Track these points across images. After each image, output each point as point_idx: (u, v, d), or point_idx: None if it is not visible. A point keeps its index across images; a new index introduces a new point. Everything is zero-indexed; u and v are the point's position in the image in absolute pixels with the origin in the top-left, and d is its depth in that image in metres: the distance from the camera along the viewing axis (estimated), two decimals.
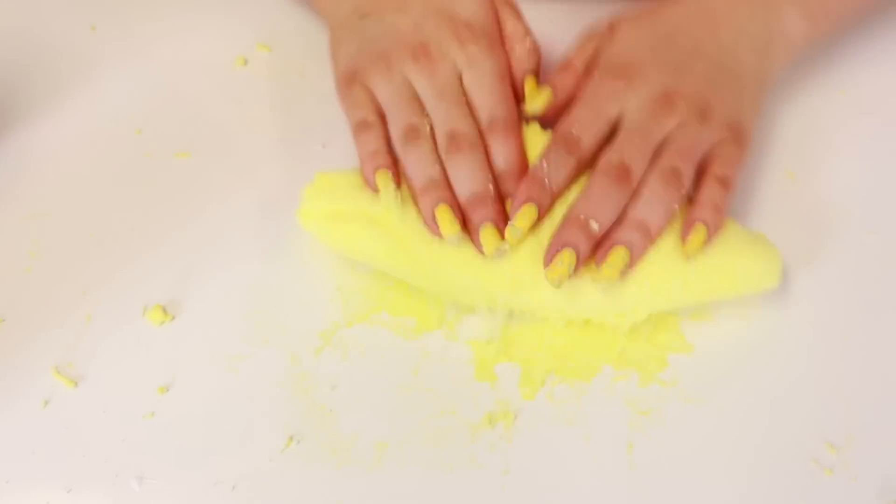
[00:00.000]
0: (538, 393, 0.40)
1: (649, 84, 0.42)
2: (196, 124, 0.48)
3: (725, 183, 0.41)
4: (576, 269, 0.39)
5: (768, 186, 0.46)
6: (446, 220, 0.40)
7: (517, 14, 0.45)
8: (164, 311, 0.42)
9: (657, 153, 0.41)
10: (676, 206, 0.40)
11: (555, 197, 0.40)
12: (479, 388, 0.40)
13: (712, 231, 0.40)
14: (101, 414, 0.40)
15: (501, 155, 0.41)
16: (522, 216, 0.39)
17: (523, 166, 0.41)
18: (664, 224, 0.40)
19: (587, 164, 0.41)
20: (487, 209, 0.40)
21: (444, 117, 0.42)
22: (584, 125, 0.41)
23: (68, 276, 0.43)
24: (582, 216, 0.39)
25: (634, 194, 0.40)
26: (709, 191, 0.41)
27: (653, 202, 0.40)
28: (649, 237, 0.40)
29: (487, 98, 0.42)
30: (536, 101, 0.43)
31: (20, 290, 0.43)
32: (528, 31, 0.45)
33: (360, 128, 0.43)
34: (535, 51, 0.45)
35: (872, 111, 0.48)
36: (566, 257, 0.38)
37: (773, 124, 0.48)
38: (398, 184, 0.41)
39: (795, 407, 0.39)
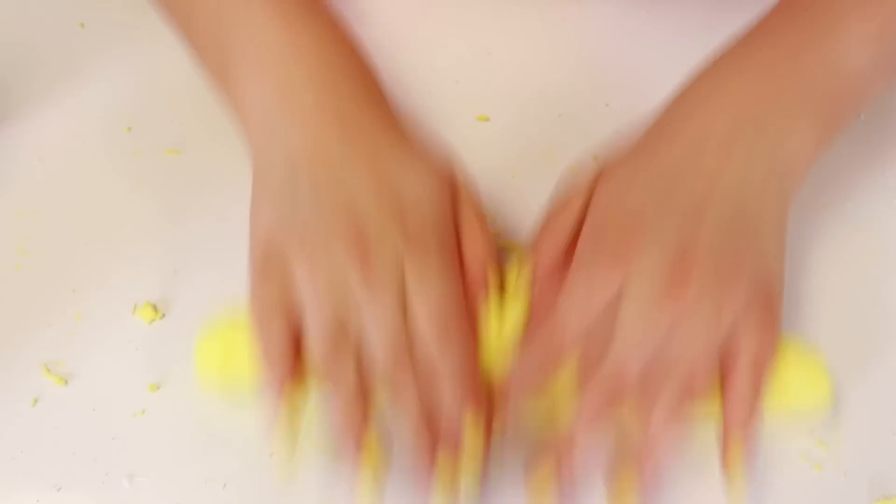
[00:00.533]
0: None
1: (652, 254, 0.35)
2: (186, 121, 0.48)
3: (760, 367, 0.35)
4: None
5: None
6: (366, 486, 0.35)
7: (475, 209, 0.38)
8: (155, 308, 0.42)
9: (664, 351, 0.35)
10: (685, 432, 0.35)
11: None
12: None
13: (750, 439, 0.36)
14: (91, 412, 0.40)
15: (450, 404, 0.35)
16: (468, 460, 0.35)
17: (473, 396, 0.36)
18: (672, 453, 0.35)
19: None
20: (429, 470, 0.35)
21: (380, 332, 0.35)
22: (570, 326, 0.35)
23: (58, 274, 0.43)
24: (571, 451, 0.35)
25: (641, 420, 0.35)
26: (741, 385, 0.35)
27: (658, 436, 0.35)
28: (657, 473, 0.35)
29: (433, 326, 0.35)
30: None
31: (9, 288, 0.43)
32: (485, 230, 0.38)
33: (264, 317, 0.36)
34: (492, 252, 0.38)
35: (881, 126, 0.48)
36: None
37: None
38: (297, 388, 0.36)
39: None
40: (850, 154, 0.45)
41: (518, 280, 0.38)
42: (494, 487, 0.38)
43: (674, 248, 0.35)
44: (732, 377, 0.35)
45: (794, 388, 0.37)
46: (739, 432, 0.35)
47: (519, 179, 0.45)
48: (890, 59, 0.39)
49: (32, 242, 0.44)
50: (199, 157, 0.47)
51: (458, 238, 0.37)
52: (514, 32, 0.50)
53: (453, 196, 0.38)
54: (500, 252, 0.40)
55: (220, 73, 0.41)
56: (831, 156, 0.43)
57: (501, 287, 0.38)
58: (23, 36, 0.51)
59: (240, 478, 0.38)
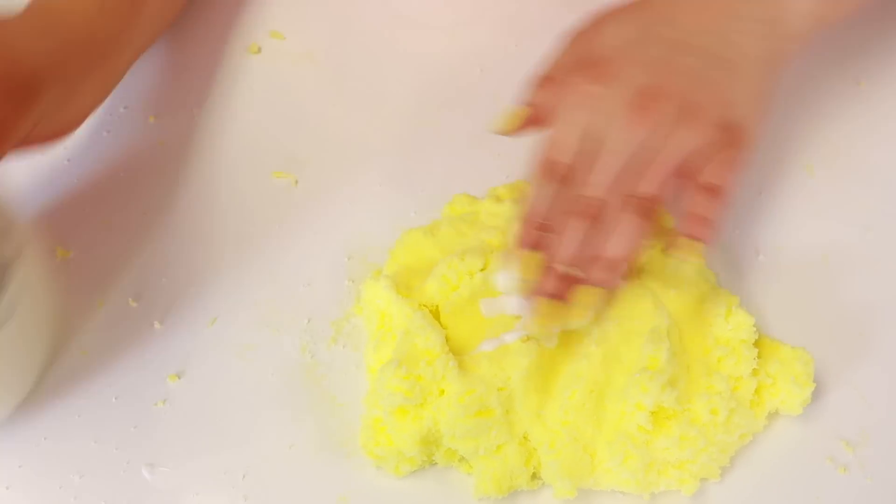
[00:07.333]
0: None
1: (624, 84, 0.38)
2: (209, 112, 0.48)
3: (714, 192, 0.38)
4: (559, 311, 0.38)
5: (786, 180, 0.45)
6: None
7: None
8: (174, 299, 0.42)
9: (630, 168, 0.38)
10: (644, 237, 0.38)
11: (546, 228, 0.38)
12: None
13: (699, 243, 0.38)
14: (113, 401, 0.40)
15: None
16: (524, 266, 0.38)
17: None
18: (631, 255, 0.38)
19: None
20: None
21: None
22: (559, 145, 0.38)
23: (82, 264, 0.43)
24: (555, 263, 0.38)
25: (605, 229, 0.38)
26: (694, 203, 0.38)
27: (622, 238, 0.38)
28: (617, 273, 0.38)
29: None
30: (509, 121, 0.40)
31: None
32: None
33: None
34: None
35: (890, 102, 0.48)
36: (545, 307, 0.37)
37: (787, 117, 0.47)
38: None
39: (812, 404, 0.39)
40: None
41: None
42: None
43: (641, 82, 0.38)
44: (688, 191, 0.38)
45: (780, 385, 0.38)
46: (690, 234, 0.38)
47: None
48: None
49: (58, 234, 0.44)
50: (221, 147, 0.47)
51: None
52: (542, 24, 0.49)
53: None
54: None
55: None
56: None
57: None
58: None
59: (259, 468, 0.38)
